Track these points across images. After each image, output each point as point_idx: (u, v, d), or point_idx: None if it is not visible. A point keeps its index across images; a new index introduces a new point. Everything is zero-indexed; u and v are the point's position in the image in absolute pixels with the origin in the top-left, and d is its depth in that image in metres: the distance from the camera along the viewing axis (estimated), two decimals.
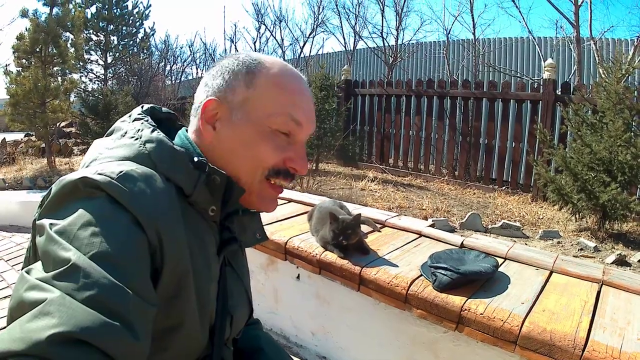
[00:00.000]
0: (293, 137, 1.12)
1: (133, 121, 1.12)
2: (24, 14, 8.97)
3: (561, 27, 11.10)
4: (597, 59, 8.33)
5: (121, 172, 0.91)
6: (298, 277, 2.98)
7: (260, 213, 1.30)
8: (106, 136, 1.14)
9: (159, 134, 1.06)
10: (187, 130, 1.18)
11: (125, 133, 1.08)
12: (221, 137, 1.11)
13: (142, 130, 1.07)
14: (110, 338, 0.72)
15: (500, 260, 2.55)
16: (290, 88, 1.12)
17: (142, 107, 1.19)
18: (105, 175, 0.89)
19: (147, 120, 1.11)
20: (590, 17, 9.23)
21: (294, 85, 1.13)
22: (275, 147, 1.09)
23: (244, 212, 1.23)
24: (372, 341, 2.66)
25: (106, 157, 1.02)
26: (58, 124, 11.15)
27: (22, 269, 0.86)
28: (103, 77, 17.68)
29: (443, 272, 2.21)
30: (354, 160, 9.57)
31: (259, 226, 1.29)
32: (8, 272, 4.68)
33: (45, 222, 0.85)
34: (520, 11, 13.93)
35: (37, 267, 0.82)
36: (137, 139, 1.05)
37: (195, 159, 1.05)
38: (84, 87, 15.69)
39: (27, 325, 0.68)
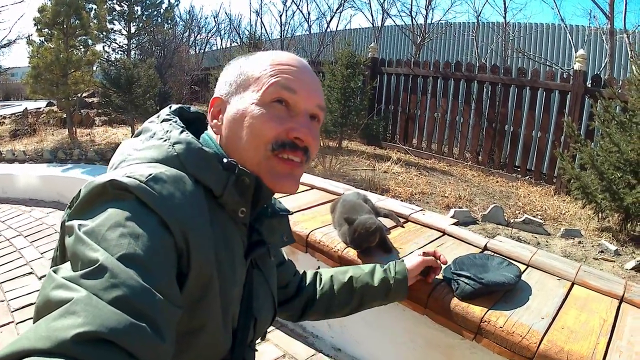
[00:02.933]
0: (293, 107, 1.12)
1: (161, 122, 1.12)
2: None
3: (594, 17, 10.95)
4: (629, 53, 8.18)
5: (150, 174, 0.92)
6: (318, 269, 2.98)
7: (289, 215, 1.33)
8: (134, 136, 1.15)
9: (187, 135, 1.07)
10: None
11: (154, 134, 1.09)
12: (224, 124, 1.14)
13: (170, 132, 1.07)
14: (136, 339, 0.72)
15: (522, 267, 2.54)
16: (277, 61, 1.14)
17: (170, 107, 1.20)
18: (134, 178, 0.90)
19: (175, 121, 1.11)
20: (625, 9, 9.14)
21: (281, 59, 1.15)
22: (271, 117, 1.09)
23: (273, 214, 1.24)
24: (387, 339, 2.69)
25: (135, 159, 1.03)
26: (80, 94, 11.21)
27: (50, 268, 0.87)
28: (126, 47, 17.67)
29: (466, 280, 2.21)
30: (377, 139, 9.52)
31: (287, 228, 1.31)
32: (27, 248, 4.71)
33: (75, 223, 0.86)
34: None
35: (66, 267, 0.83)
36: (165, 140, 1.06)
37: (225, 160, 1.06)
38: (107, 57, 15.71)
39: (53, 324, 0.69)
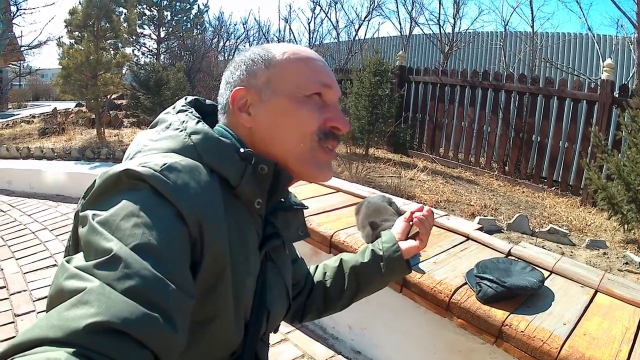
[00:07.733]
0: (325, 99, 1.14)
1: (177, 113, 1.12)
2: None
3: (622, 26, 10.79)
4: None
5: (165, 164, 0.91)
6: None
7: (305, 209, 1.30)
8: (150, 128, 1.15)
9: (204, 126, 1.06)
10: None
11: (170, 125, 1.09)
12: (258, 118, 1.11)
13: (186, 122, 1.07)
14: (149, 329, 0.72)
15: (546, 273, 2.53)
16: (306, 57, 1.15)
17: (185, 98, 1.19)
18: (148, 168, 0.89)
19: (191, 112, 1.11)
20: None
21: (309, 54, 1.16)
22: (314, 109, 1.11)
23: (288, 207, 1.23)
24: (407, 343, 2.70)
25: (151, 149, 1.03)
26: (109, 95, 11.32)
27: (63, 258, 0.86)
28: (156, 52, 17.85)
29: (488, 283, 2.21)
30: (404, 147, 9.48)
31: (302, 222, 1.29)
32: (52, 241, 4.82)
33: (89, 213, 0.86)
34: (580, 7, 13.59)
35: (79, 256, 0.82)
36: (182, 131, 1.05)
37: (242, 150, 1.06)
38: (136, 60, 15.89)
39: (65, 314, 0.68)
